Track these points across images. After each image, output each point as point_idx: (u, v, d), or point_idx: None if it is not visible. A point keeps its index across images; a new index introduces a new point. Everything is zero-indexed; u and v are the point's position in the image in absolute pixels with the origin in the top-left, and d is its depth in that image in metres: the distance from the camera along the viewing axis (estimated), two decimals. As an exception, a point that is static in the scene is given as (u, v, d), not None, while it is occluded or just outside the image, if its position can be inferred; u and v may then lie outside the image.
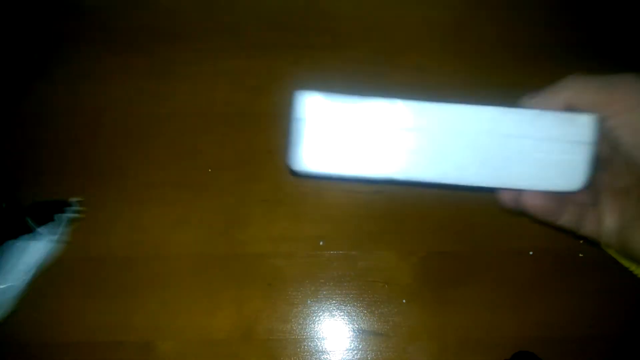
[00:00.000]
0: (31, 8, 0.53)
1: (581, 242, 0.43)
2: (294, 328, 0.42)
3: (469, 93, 0.48)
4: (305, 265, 0.43)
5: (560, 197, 0.31)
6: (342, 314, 0.42)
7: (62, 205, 0.44)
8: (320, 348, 0.41)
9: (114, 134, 0.48)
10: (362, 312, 0.42)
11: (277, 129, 0.45)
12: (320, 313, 0.42)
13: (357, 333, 0.42)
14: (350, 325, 0.42)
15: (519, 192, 0.30)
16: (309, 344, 0.41)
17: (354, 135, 0.29)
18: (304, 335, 0.41)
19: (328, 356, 0.41)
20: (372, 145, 0.29)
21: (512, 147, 0.29)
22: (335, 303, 0.42)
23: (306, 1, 0.53)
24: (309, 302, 0.42)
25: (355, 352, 0.41)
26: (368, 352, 0.41)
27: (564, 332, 0.41)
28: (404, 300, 0.42)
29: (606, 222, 0.32)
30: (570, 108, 0.30)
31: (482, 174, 0.29)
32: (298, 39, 0.51)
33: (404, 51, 0.48)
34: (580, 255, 0.43)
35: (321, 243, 0.43)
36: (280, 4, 0.53)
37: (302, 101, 0.29)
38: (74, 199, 0.45)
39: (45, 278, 0.43)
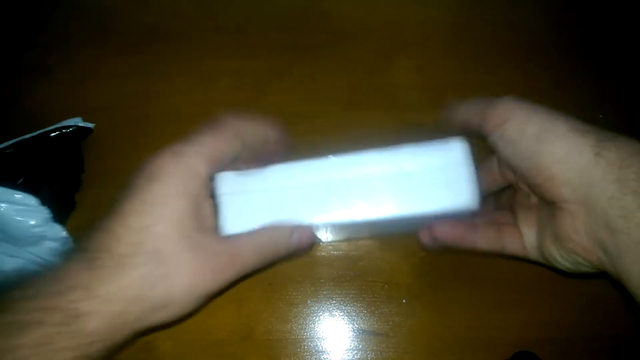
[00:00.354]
0: (31, 8, 0.53)
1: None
2: (294, 328, 0.42)
3: (469, 93, 0.48)
4: (305, 265, 0.43)
5: (467, 223, 0.33)
6: (342, 314, 0.42)
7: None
8: (320, 348, 0.41)
9: (114, 134, 0.48)
10: (362, 312, 0.42)
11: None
12: (320, 313, 0.42)
13: (357, 333, 0.42)
14: (350, 325, 0.42)
15: (431, 229, 0.33)
16: (309, 344, 0.41)
17: (265, 198, 0.33)
18: (303, 335, 0.41)
19: (328, 356, 0.41)
20: (281, 200, 0.33)
21: (403, 180, 0.33)
22: (335, 303, 0.42)
23: (306, 1, 0.53)
24: (309, 302, 0.42)
25: (355, 352, 0.41)
26: (368, 352, 0.41)
27: (564, 332, 0.41)
28: (404, 300, 0.42)
29: (526, 237, 0.33)
30: (466, 125, 0.33)
31: (387, 207, 0.33)
32: (298, 39, 0.51)
33: (404, 51, 0.48)
34: (580, 255, 0.43)
35: (321, 243, 0.43)
36: (281, 4, 0.53)
37: (218, 180, 0.33)
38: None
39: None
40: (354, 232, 0.40)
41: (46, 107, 0.49)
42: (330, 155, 0.34)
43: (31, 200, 0.40)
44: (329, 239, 0.42)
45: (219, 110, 0.49)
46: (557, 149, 0.27)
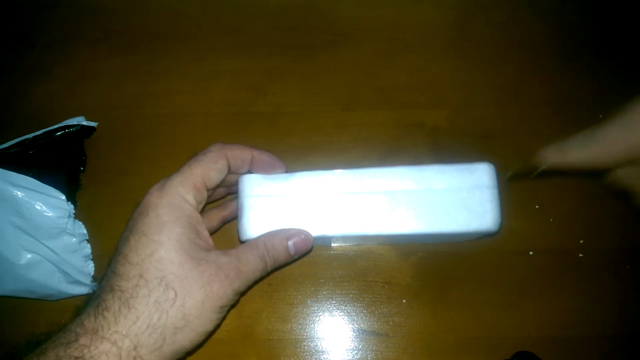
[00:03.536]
0: (31, 8, 0.53)
1: (581, 242, 0.44)
2: (294, 328, 0.42)
3: (469, 93, 0.48)
4: (305, 265, 0.43)
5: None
6: (342, 314, 0.42)
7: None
8: (320, 348, 0.41)
9: (114, 134, 0.48)
10: (362, 312, 0.42)
11: (277, 129, 0.45)
12: (320, 313, 0.42)
13: (357, 333, 0.42)
14: (350, 325, 0.42)
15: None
16: (309, 343, 0.41)
17: (290, 204, 0.34)
18: (303, 335, 0.41)
19: (328, 356, 0.41)
20: (305, 207, 0.34)
21: (428, 198, 0.34)
22: (335, 303, 0.42)
23: (306, 1, 0.53)
24: (309, 302, 0.42)
25: (355, 352, 0.41)
26: (368, 352, 0.41)
27: (564, 332, 0.41)
28: (404, 300, 0.42)
29: None
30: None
31: (410, 222, 0.34)
32: (298, 39, 0.51)
33: (404, 51, 0.48)
34: (580, 255, 0.43)
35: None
36: (281, 4, 0.53)
37: (242, 181, 0.35)
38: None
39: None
40: (371, 240, 0.41)
41: (46, 107, 0.49)
42: (358, 168, 0.35)
43: (58, 195, 0.41)
44: (342, 244, 0.43)
45: (219, 110, 0.49)
46: None
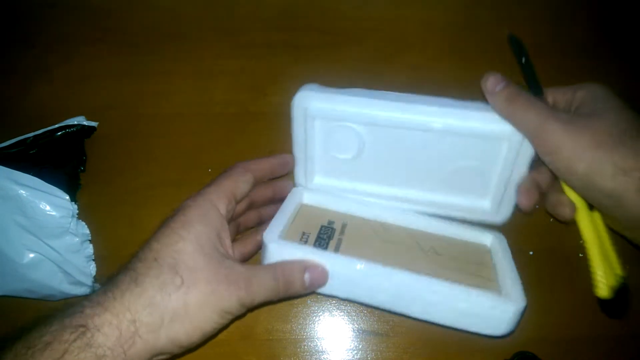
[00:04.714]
0: (31, 8, 0.53)
1: (581, 242, 0.43)
2: (294, 328, 0.42)
3: (469, 93, 0.48)
4: (305, 265, 0.43)
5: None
6: (342, 314, 0.42)
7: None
8: (320, 348, 0.41)
9: (113, 134, 0.48)
10: (362, 312, 0.42)
11: (277, 129, 0.45)
12: (320, 313, 0.42)
13: (357, 333, 0.42)
14: (350, 325, 0.42)
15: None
16: (309, 343, 0.41)
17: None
18: (303, 335, 0.41)
19: (328, 356, 0.41)
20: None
21: (453, 311, 0.34)
22: (335, 303, 0.42)
23: (306, 1, 0.53)
24: (308, 302, 0.42)
25: (355, 352, 0.41)
26: (368, 352, 0.41)
27: (564, 332, 0.41)
28: (404, 300, 0.42)
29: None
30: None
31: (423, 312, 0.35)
32: (298, 39, 0.51)
33: (404, 51, 0.48)
34: (580, 255, 0.43)
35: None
36: (281, 4, 0.53)
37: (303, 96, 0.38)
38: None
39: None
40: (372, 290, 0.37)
41: (46, 107, 0.49)
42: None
43: (62, 194, 0.41)
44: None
45: (219, 110, 0.49)
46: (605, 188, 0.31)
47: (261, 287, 0.32)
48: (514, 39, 0.39)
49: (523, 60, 0.37)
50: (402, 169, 0.40)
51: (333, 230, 0.39)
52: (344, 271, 0.34)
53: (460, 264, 0.37)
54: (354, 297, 0.35)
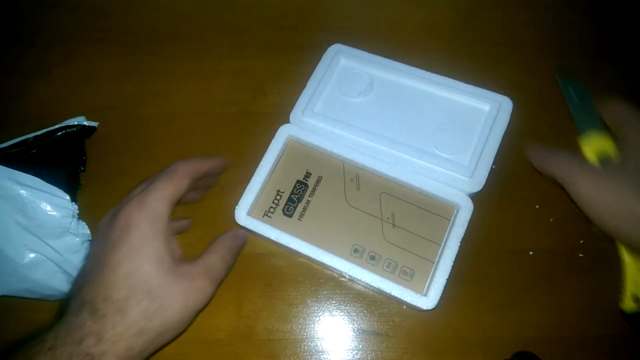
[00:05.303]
0: (31, 8, 0.53)
1: (581, 242, 0.44)
2: (294, 328, 0.42)
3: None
4: (305, 265, 0.43)
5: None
6: (342, 314, 0.42)
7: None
8: (320, 348, 0.41)
9: (114, 134, 0.48)
10: (362, 312, 0.42)
11: (277, 129, 0.45)
12: (320, 313, 0.42)
13: (357, 333, 0.42)
14: (350, 325, 0.42)
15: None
16: (309, 343, 0.41)
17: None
18: (303, 335, 0.41)
19: (328, 356, 0.41)
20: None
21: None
22: (335, 303, 0.42)
23: (306, 1, 0.53)
24: (308, 302, 0.42)
25: (355, 352, 0.41)
26: (368, 352, 0.41)
27: (564, 332, 0.41)
28: (404, 300, 0.42)
29: None
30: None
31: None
32: (298, 39, 0.51)
33: (404, 51, 0.48)
34: (580, 255, 0.43)
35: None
36: (281, 4, 0.53)
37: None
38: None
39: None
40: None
41: (45, 107, 0.49)
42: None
43: (63, 195, 0.41)
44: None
45: (219, 110, 0.49)
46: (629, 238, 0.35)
47: (218, 275, 0.36)
48: (566, 73, 0.42)
49: (575, 96, 0.41)
50: (395, 118, 0.46)
51: (306, 187, 0.43)
52: (296, 247, 0.41)
53: (407, 244, 0.41)
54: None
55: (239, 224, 0.41)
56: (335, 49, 0.48)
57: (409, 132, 0.45)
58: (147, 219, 0.33)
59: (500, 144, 0.44)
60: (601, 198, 0.34)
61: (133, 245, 0.32)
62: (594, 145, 0.37)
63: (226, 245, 0.38)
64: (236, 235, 0.40)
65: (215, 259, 0.36)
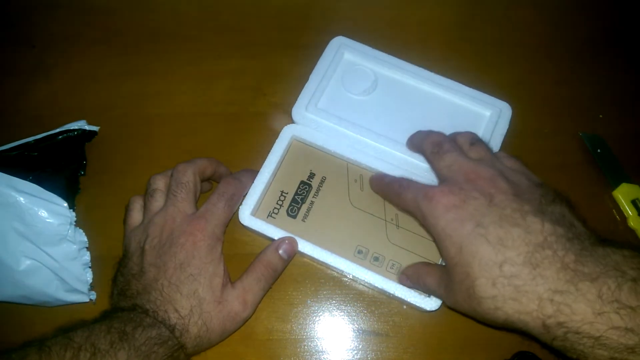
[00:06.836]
0: (31, 8, 0.53)
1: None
2: (294, 328, 0.42)
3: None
4: (305, 265, 0.43)
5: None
6: (342, 314, 0.42)
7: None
8: (320, 348, 0.41)
9: (114, 134, 0.48)
10: (362, 312, 0.42)
11: (277, 128, 0.45)
12: (320, 313, 0.42)
13: (357, 333, 0.42)
14: (350, 325, 0.42)
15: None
16: (309, 343, 0.41)
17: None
18: (304, 335, 0.42)
19: (328, 356, 0.41)
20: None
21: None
22: (335, 303, 0.42)
23: (306, 1, 0.53)
24: (308, 302, 0.42)
25: (355, 352, 0.41)
26: (368, 352, 0.41)
27: (564, 332, 0.41)
28: (404, 300, 0.42)
29: None
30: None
31: None
32: (298, 39, 0.51)
33: (404, 51, 0.48)
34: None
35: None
36: (281, 3, 0.53)
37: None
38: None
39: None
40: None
41: (46, 107, 0.49)
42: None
43: (61, 202, 0.41)
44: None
45: (219, 110, 0.49)
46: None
47: (255, 297, 0.38)
48: (591, 136, 0.47)
49: (602, 155, 0.46)
50: (399, 119, 0.45)
51: (310, 188, 0.43)
52: (300, 248, 0.41)
53: (411, 245, 0.41)
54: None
55: (243, 224, 0.41)
56: (338, 42, 0.47)
57: (412, 133, 0.44)
58: (207, 245, 0.36)
59: (500, 148, 0.44)
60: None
61: (193, 271, 0.36)
62: (627, 194, 0.44)
63: (264, 262, 0.39)
64: (277, 246, 0.40)
65: (251, 281, 0.38)
